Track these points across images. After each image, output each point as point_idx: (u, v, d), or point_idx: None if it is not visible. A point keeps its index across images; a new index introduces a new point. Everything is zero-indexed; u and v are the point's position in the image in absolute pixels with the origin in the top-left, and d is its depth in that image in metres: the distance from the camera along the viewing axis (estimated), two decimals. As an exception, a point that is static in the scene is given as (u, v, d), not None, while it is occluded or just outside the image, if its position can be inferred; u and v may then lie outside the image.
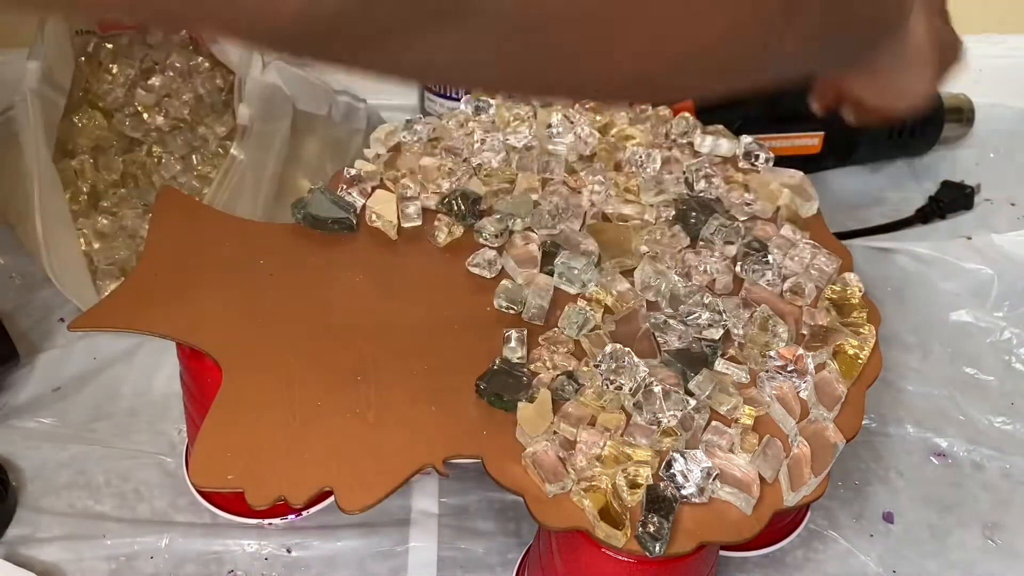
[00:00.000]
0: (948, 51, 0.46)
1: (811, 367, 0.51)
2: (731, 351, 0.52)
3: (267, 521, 0.60)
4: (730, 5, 0.29)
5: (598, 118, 0.69)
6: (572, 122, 0.65)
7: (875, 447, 0.67)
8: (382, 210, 0.60)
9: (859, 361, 0.53)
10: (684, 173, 0.63)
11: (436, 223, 0.59)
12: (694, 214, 0.60)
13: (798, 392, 0.51)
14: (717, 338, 0.53)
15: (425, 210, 0.61)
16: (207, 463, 0.47)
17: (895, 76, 0.44)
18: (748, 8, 0.29)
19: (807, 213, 0.63)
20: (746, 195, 0.62)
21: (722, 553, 0.58)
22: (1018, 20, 1.00)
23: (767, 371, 0.51)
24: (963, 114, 0.94)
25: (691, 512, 0.46)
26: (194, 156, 0.80)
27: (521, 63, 0.29)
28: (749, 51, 0.31)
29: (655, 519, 0.44)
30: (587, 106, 0.70)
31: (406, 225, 0.60)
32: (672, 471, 0.46)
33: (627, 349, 0.50)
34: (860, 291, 0.57)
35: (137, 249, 0.74)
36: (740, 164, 0.66)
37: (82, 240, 0.74)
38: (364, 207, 0.61)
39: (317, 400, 0.50)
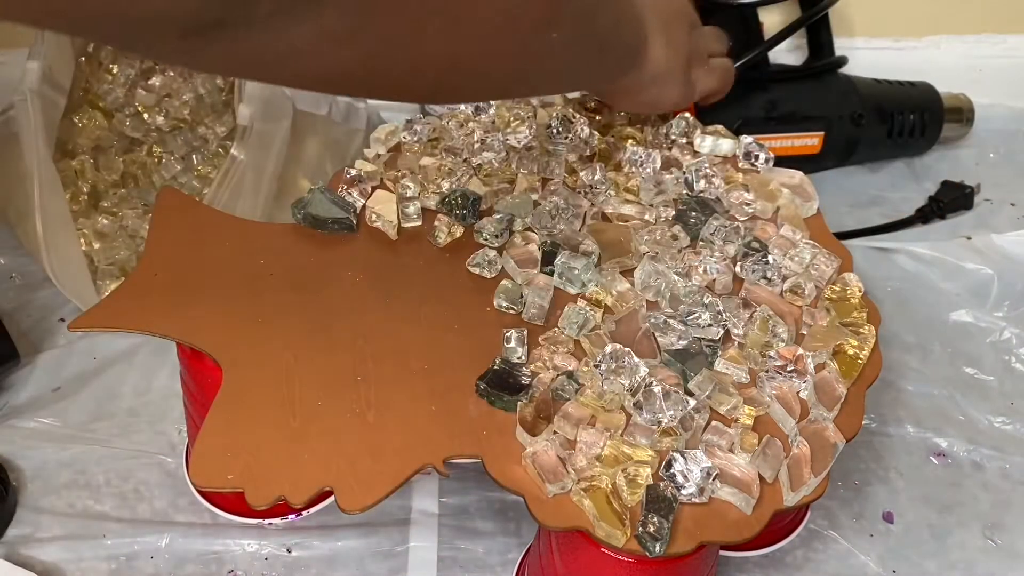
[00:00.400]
0: (713, 74, 0.64)
1: (811, 367, 0.51)
2: (731, 351, 0.52)
3: (267, 521, 0.60)
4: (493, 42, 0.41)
5: (598, 118, 0.69)
6: (572, 122, 0.65)
7: (875, 447, 0.67)
8: (382, 210, 0.60)
9: (859, 361, 0.53)
10: (684, 173, 0.63)
11: (436, 223, 0.59)
12: (694, 214, 0.60)
13: (798, 392, 0.51)
14: (717, 338, 0.53)
15: (425, 210, 0.61)
16: (207, 463, 0.47)
17: (645, 92, 0.59)
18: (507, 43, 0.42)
19: (807, 213, 0.63)
20: (746, 195, 0.62)
21: (722, 553, 0.58)
22: (1018, 20, 1.00)
23: (767, 371, 0.51)
24: (963, 114, 0.94)
25: (691, 512, 0.46)
26: (194, 156, 0.80)
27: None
28: (510, 77, 0.45)
29: (655, 519, 0.44)
30: (588, 107, 0.70)
31: (406, 225, 0.60)
32: (672, 471, 0.46)
33: (627, 349, 0.50)
34: (860, 291, 0.57)
35: (137, 249, 0.74)
36: (740, 164, 0.66)
37: (82, 240, 0.74)
38: (364, 207, 0.61)
39: (317, 400, 0.50)
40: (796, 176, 0.64)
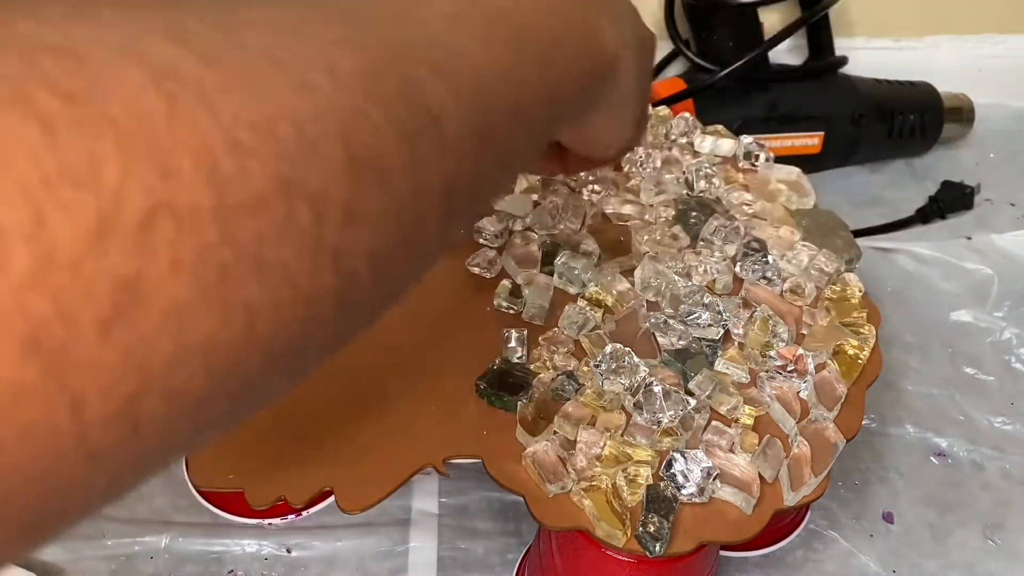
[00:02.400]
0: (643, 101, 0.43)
1: (811, 367, 0.51)
2: (731, 351, 0.52)
3: (267, 521, 0.60)
4: None
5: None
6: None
7: (875, 447, 0.67)
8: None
9: (859, 361, 0.53)
10: (684, 173, 0.63)
11: (436, 223, 0.59)
12: (694, 214, 0.60)
13: (798, 392, 0.51)
14: (717, 338, 0.53)
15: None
16: (207, 463, 0.47)
17: (612, 117, 0.40)
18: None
19: (804, 208, 0.63)
20: (746, 195, 0.62)
21: (722, 553, 0.58)
22: (1018, 20, 1.00)
23: (767, 371, 0.51)
24: (963, 114, 0.94)
25: (691, 512, 0.46)
26: (194, 156, 0.80)
27: None
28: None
29: (655, 519, 0.44)
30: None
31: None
32: (672, 471, 0.46)
33: (627, 349, 0.50)
34: (860, 291, 0.57)
35: (137, 249, 0.74)
36: (740, 164, 0.66)
37: (82, 240, 0.74)
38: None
39: (317, 400, 0.50)
40: (793, 172, 0.64)
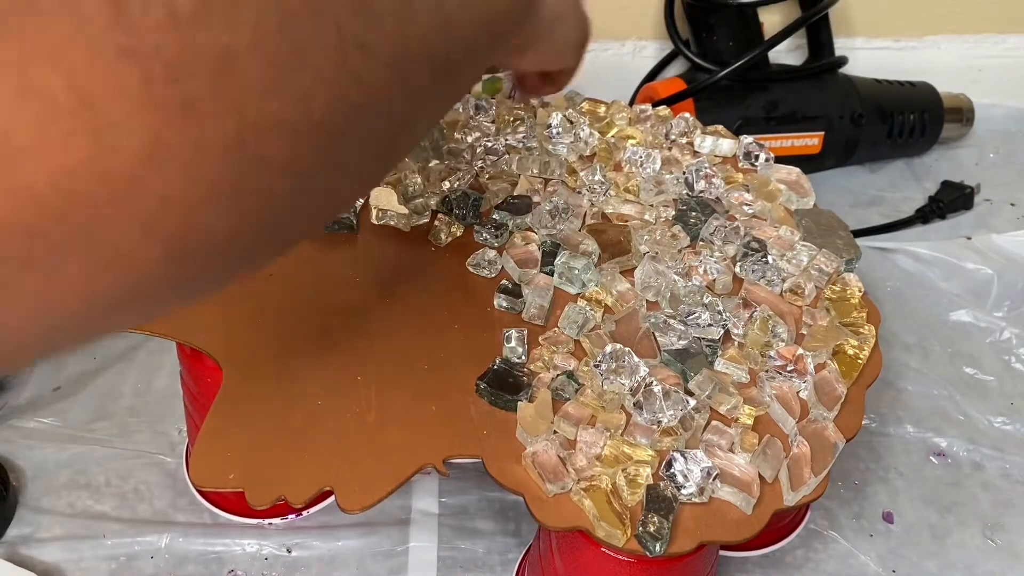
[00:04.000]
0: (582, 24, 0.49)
1: (811, 367, 0.51)
2: (731, 351, 0.52)
3: (267, 521, 0.60)
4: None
5: (600, 111, 0.69)
6: (572, 122, 0.65)
7: (875, 447, 0.67)
8: (387, 204, 0.60)
9: (859, 361, 0.53)
10: (684, 173, 0.63)
11: (436, 223, 0.60)
12: (694, 214, 0.60)
13: (798, 392, 0.51)
14: (717, 338, 0.53)
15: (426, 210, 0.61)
16: (207, 463, 0.47)
17: (549, 39, 0.44)
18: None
19: (804, 208, 0.63)
20: (746, 195, 0.62)
21: (722, 553, 0.58)
22: (1018, 20, 1.00)
23: (767, 371, 0.51)
24: (963, 114, 0.94)
25: (691, 512, 0.46)
26: (194, 156, 0.80)
27: None
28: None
29: (655, 519, 0.44)
30: (585, 108, 0.70)
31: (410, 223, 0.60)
32: (672, 471, 0.46)
33: (627, 349, 0.50)
34: (860, 291, 0.57)
35: (137, 249, 0.74)
36: (740, 164, 0.66)
37: (82, 240, 0.74)
38: (365, 206, 0.61)
39: (317, 400, 0.50)
40: (793, 172, 0.65)
